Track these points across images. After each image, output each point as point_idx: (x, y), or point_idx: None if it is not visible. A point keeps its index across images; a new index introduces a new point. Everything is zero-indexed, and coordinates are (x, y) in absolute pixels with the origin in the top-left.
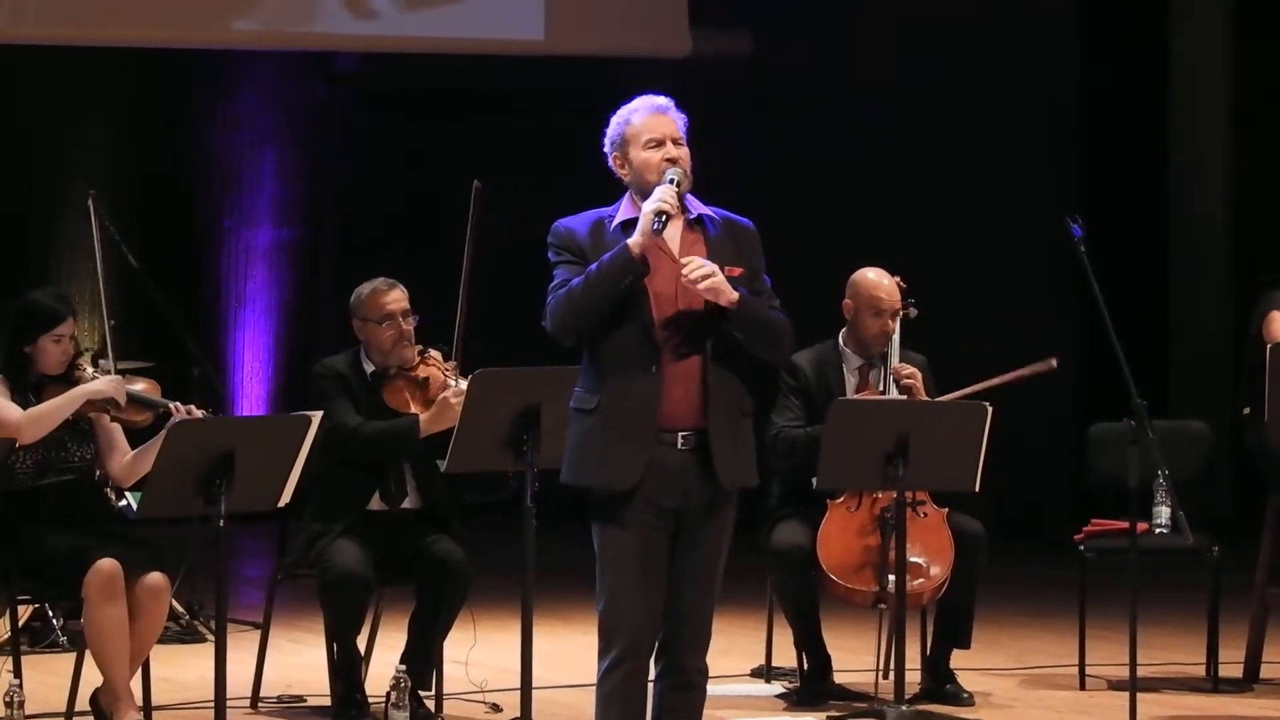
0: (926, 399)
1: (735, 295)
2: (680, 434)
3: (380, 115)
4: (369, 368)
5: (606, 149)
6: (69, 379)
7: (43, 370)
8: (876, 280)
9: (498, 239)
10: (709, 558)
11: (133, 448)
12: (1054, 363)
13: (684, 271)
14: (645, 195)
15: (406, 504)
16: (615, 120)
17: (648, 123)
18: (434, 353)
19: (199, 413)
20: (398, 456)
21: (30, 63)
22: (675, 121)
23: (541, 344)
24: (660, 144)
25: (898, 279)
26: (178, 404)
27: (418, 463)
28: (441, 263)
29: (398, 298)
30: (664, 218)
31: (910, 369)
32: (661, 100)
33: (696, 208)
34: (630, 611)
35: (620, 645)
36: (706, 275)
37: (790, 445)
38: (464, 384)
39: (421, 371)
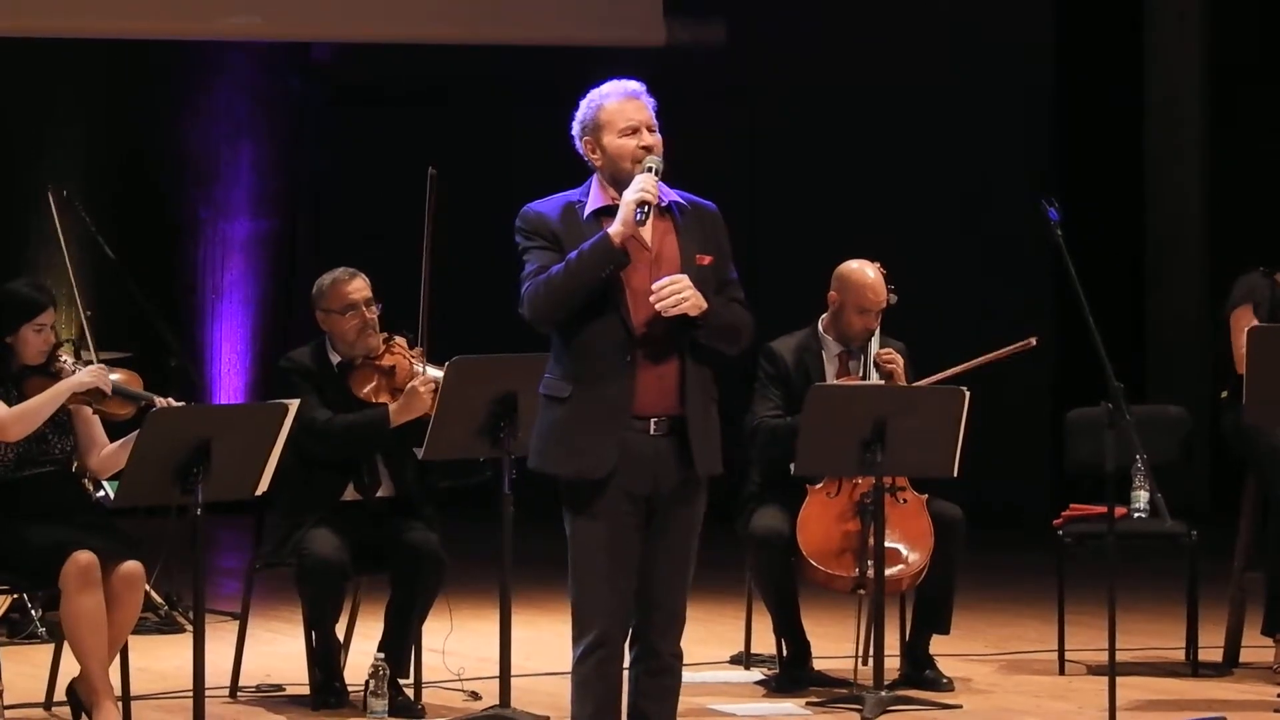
0: (905, 384)
1: (705, 305)
2: (652, 420)
3: (355, 107)
4: (335, 359)
5: (576, 131)
6: (49, 370)
7: (24, 361)
8: (864, 278)
9: (469, 227)
10: (680, 543)
11: (111, 441)
12: (1034, 341)
13: (656, 301)
14: (618, 182)
15: (380, 493)
16: (586, 103)
17: (622, 108)
18: (399, 340)
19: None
20: (370, 449)
21: (3, 55)
22: (648, 107)
23: (508, 330)
24: (635, 131)
25: (878, 265)
26: (159, 398)
27: (389, 451)
28: (417, 253)
29: (359, 286)
30: (647, 208)
31: (891, 353)
32: (634, 85)
33: (665, 194)
34: (602, 598)
35: (593, 632)
36: (678, 297)
37: (771, 435)
38: (432, 371)
39: (388, 360)
